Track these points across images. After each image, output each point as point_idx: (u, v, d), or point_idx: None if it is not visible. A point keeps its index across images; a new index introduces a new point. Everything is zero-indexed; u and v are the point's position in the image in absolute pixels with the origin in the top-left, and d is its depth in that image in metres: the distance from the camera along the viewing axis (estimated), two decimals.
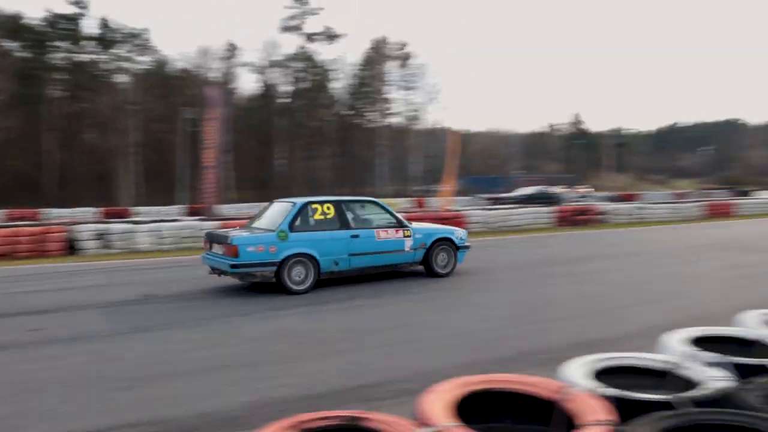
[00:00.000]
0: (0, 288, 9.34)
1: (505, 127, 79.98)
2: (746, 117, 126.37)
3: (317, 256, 8.33)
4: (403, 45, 61.53)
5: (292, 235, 8.23)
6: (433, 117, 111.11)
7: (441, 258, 9.52)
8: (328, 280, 8.74)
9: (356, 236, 8.73)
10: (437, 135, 56.29)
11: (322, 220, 8.61)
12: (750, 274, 9.33)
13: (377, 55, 59.66)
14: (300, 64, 56.63)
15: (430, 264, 9.43)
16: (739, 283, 8.55)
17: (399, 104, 62.07)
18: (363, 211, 9.38)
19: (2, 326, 6.64)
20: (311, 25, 58.63)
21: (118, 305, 7.70)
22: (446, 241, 9.61)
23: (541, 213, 20.35)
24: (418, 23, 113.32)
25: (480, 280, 9.31)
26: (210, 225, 15.53)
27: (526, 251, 13.15)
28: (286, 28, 56.43)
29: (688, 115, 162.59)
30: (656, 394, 2.10)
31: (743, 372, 2.28)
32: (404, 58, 61.11)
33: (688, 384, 2.22)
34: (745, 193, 46.45)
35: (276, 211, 8.92)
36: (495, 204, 29.01)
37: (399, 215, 9.56)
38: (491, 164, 66.72)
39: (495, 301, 7.82)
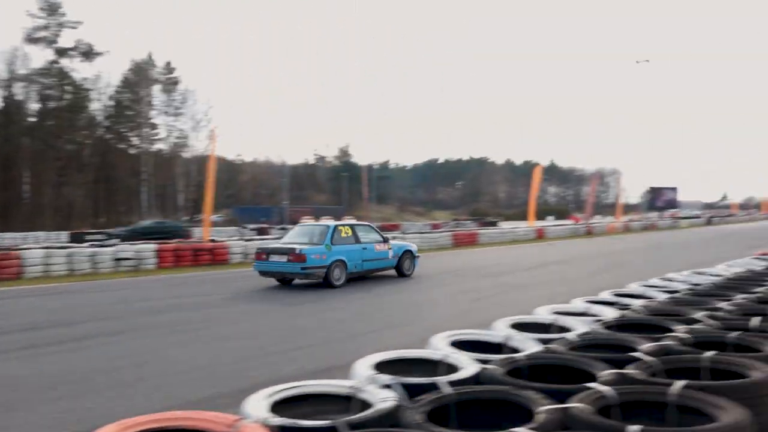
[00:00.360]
0: None
1: (276, 157, 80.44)
2: (493, 156, 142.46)
3: (347, 261, 11.95)
4: (170, 69, 59.43)
5: (333, 247, 11.80)
6: (202, 145, 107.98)
7: (407, 264, 13.56)
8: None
9: (365, 248, 12.57)
10: (206, 163, 54.92)
11: (345, 236, 12.35)
12: (480, 298, 10.35)
13: (139, 77, 56.63)
14: (51, 80, 51.76)
15: (400, 268, 13.40)
16: (468, 307, 9.42)
17: (165, 130, 59.46)
18: (364, 230, 13.08)
19: None
20: (67, 38, 53.61)
21: None
22: (409, 252, 13.69)
23: None
24: (186, 48, 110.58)
25: (229, 313, 9.19)
26: None
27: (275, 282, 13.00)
28: (32, 39, 51.32)
29: (445, 153, 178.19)
30: (338, 419, 2.19)
31: (415, 391, 2.47)
32: (170, 83, 58.92)
33: (366, 406, 2.36)
34: (493, 224, 51.75)
35: (307, 232, 12.79)
36: (260, 234, 28.94)
37: (384, 234, 13.71)
38: (261, 194, 66.76)
39: (243, 331, 7.75)
